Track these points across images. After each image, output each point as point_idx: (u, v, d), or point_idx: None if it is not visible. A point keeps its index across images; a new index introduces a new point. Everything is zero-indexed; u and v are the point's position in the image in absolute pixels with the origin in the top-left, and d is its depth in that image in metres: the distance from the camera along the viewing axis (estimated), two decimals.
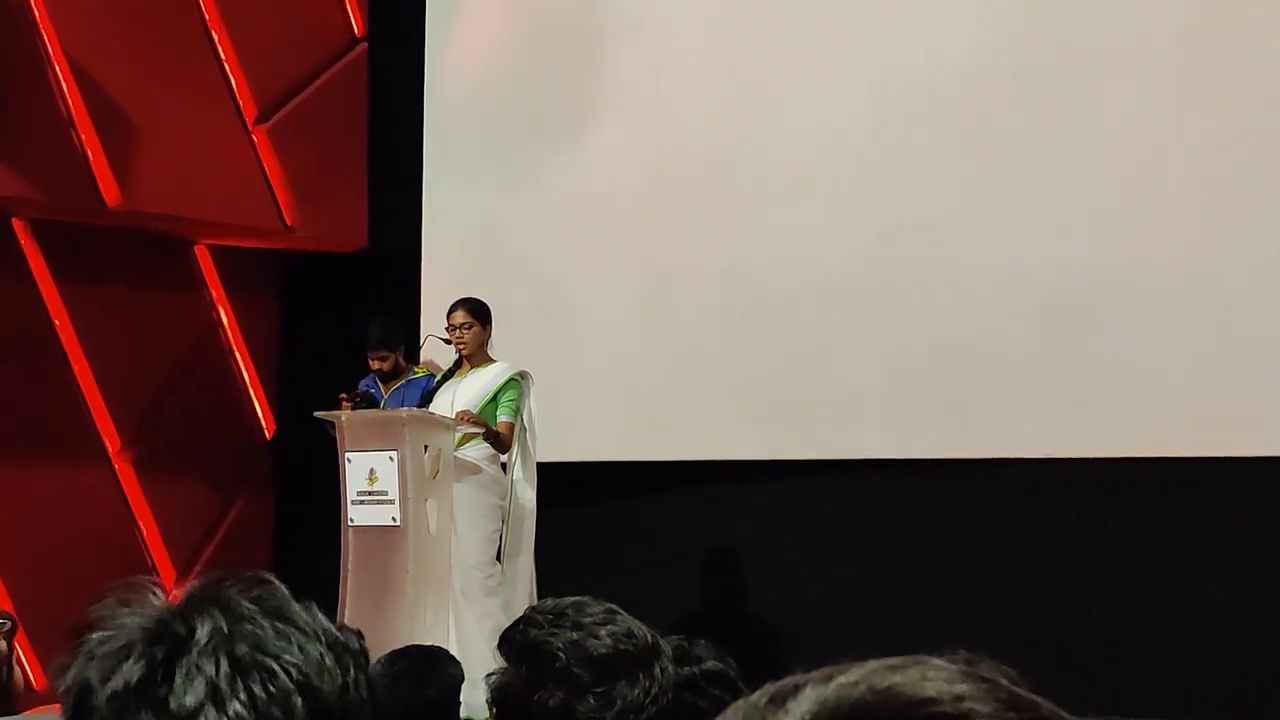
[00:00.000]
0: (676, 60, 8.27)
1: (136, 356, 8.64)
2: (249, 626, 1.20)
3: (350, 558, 6.82)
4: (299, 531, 9.04)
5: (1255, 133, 6.84)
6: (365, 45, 9.28)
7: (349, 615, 6.59)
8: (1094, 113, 7.16)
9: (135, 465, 8.65)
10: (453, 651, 6.52)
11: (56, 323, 8.44)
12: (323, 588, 6.84)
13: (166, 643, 1.19)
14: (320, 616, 1.22)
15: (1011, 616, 7.16)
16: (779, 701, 0.91)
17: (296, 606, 1.22)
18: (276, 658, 1.19)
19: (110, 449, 8.60)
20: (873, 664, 0.91)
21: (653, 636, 2.27)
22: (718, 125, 8.09)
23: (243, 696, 1.18)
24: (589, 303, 8.39)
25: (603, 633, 2.22)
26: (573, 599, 2.33)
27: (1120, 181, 7.10)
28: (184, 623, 1.19)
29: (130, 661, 1.18)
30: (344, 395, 7.34)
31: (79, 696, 1.19)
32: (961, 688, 0.89)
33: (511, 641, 2.28)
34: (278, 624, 1.20)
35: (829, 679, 0.90)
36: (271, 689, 1.18)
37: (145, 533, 8.67)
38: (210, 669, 1.18)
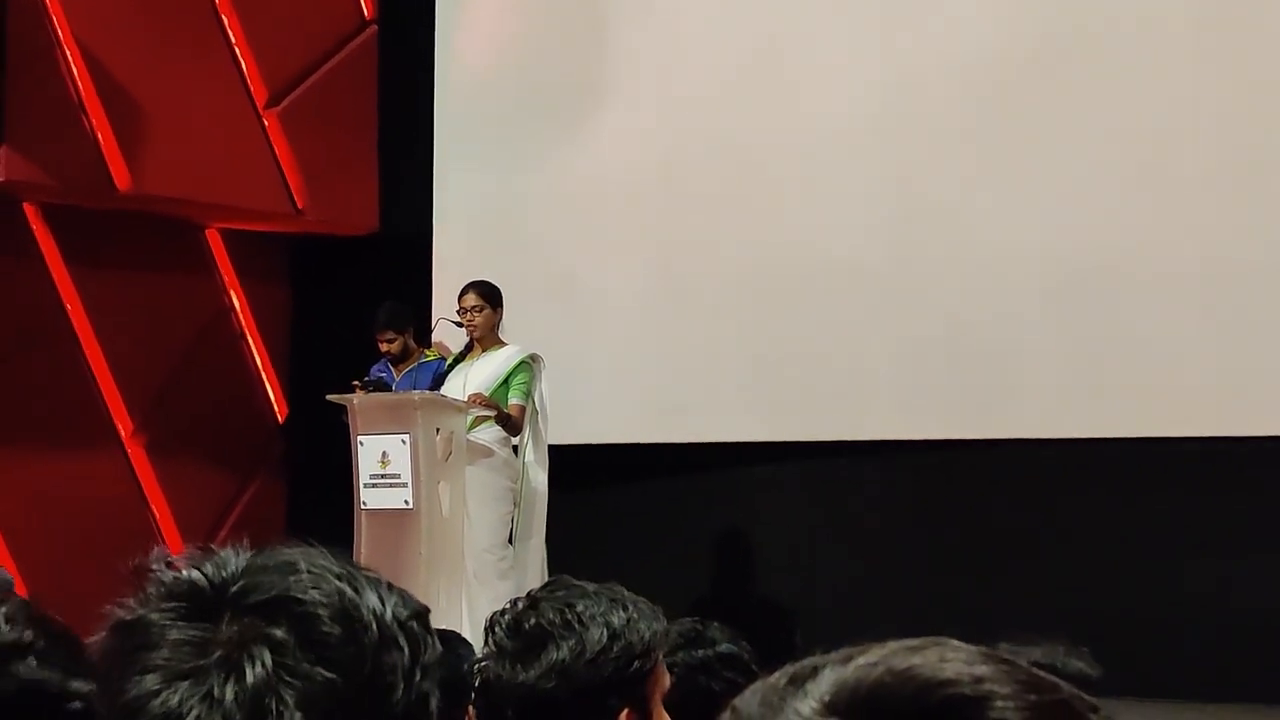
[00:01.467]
0: (688, 42, 8.25)
1: (148, 341, 8.65)
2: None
3: (363, 541, 6.83)
4: (312, 515, 9.03)
5: (1269, 115, 6.81)
6: (375, 28, 9.27)
7: None
8: (1108, 95, 7.13)
9: (148, 450, 8.66)
10: (466, 634, 6.54)
11: (68, 307, 8.45)
12: None
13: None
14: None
15: (1025, 596, 7.16)
16: (798, 683, 0.91)
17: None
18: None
19: (123, 433, 8.61)
20: (892, 645, 0.91)
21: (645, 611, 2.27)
22: (730, 107, 8.07)
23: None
24: (601, 285, 8.38)
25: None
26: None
27: (1133, 164, 7.07)
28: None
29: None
30: (357, 383, 7.34)
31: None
32: (981, 669, 0.89)
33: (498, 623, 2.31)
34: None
35: (848, 660, 0.90)
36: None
37: (158, 517, 8.68)
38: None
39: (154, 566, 1.23)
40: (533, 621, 2.20)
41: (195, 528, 8.77)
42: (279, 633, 1.15)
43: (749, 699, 0.92)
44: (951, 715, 0.87)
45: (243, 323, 9.19)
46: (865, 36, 7.73)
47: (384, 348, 7.91)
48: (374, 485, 6.78)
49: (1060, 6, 7.29)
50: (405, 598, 1.22)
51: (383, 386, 7.46)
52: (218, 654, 1.15)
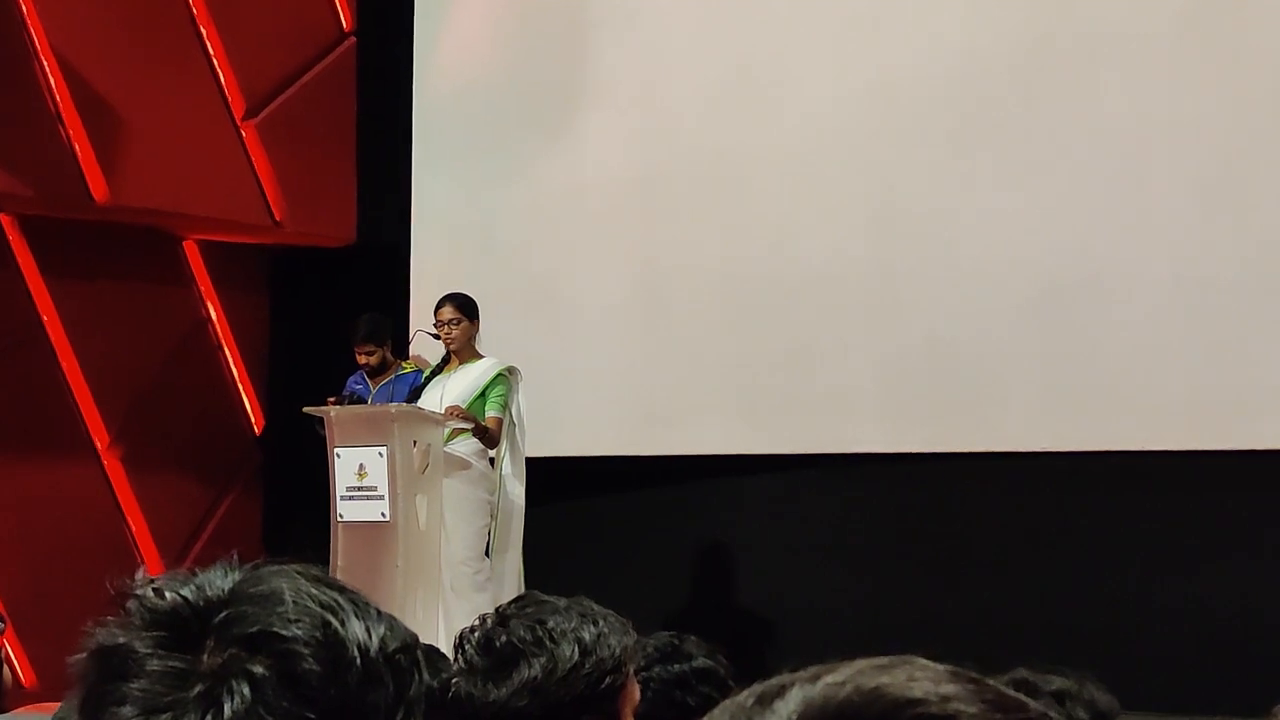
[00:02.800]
0: (668, 53, 8.25)
1: (125, 352, 8.61)
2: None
3: (339, 553, 6.80)
4: (287, 527, 9.01)
5: (1249, 127, 6.84)
6: (354, 40, 9.26)
7: None
8: (1088, 106, 7.16)
9: (124, 461, 8.62)
10: (442, 647, 6.52)
11: (45, 318, 8.41)
12: None
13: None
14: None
15: (1006, 609, 7.17)
16: (766, 702, 0.90)
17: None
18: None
19: (99, 444, 8.57)
20: (860, 663, 0.90)
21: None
22: (710, 118, 8.08)
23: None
24: (580, 297, 8.38)
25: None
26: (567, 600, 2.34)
27: (1113, 176, 7.10)
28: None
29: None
30: (332, 399, 7.32)
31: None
32: (948, 688, 0.88)
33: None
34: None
35: (816, 679, 0.89)
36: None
37: (134, 528, 8.65)
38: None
39: (137, 588, 1.21)
40: (503, 639, 2.19)
41: (171, 539, 8.74)
42: (259, 669, 1.14)
43: (718, 717, 0.92)
44: None
45: (220, 334, 9.16)
46: (845, 47, 7.75)
47: (363, 360, 7.90)
48: (351, 497, 6.77)
49: (1038, 20, 7.32)
50: (394, 627, 1.21)
51: (358, 401, 7.45)
52: (197, 688, 1.13)
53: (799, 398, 7.73)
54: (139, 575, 1.22)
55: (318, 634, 1.16)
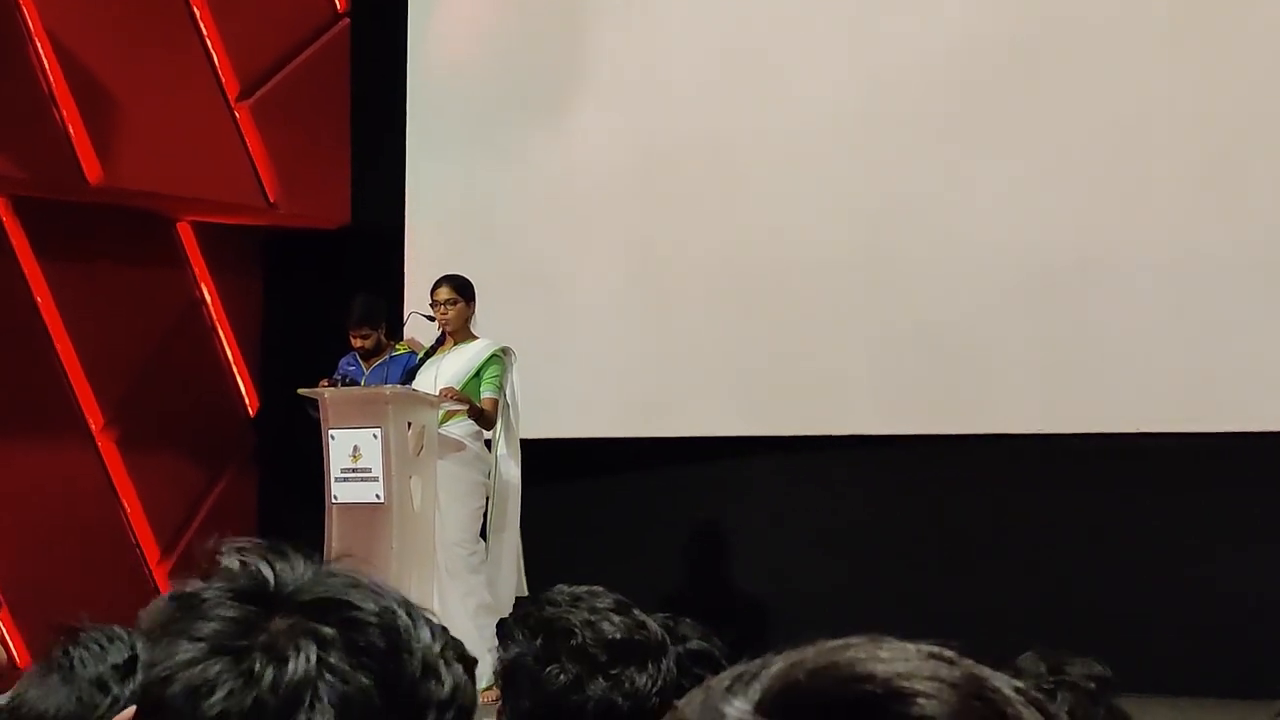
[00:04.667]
0: (665, 36, 8.25)
1: (119, 334, 8.61)
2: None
3: (334, 535, 6.81)
4: (282, 509, 9.02)
5: (1239, 112, 6.85)
6: (348, 21, 9.24)
7: None
8: (1081, 92, 7.16)
9: (118, 443, 8.63)
10: None
11: (39, 300, 8.41)
12: None
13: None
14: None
15: (1000, 591, 7.19)
16: (737, 685, 0.91)
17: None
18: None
19: (93, 427, 8.58)
20: (829, 643, 0.91)
21: (663, 633, 2.31)
22: (706, 102, 8.07)
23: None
24: (575, 279, 8.38)
25: (617, 620, 2.25)
26: (587, 587, 2.36)
27: (1107, 161, 7.10)
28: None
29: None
30: (325, 381, 7.32)
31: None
32: (909, 665, 0.88)
33: (528, 617, 2.30)
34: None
35: (786, 658, 0.90)
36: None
37: (129, 510, 8.66)
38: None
39: (223, 554, 1.23)
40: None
41: (166, 521, 8.75)
42: (327, 630, 1.16)
43: (693, 700, 0.92)
44: (873, 710, 0.86)
45: (214, 316, 9.17)
46: (841, 34, 7.75)
47: (357, 343, 7.89)
48: (345, 479, 6.77)
49: (1033, 7, 7.32)
50: (459, 647, 1.24)
51: (351, 383, 7.44)
52: (263, 638, 1.15)
53: (794, 381, 7.74)
54: (227, 543, 1.26)
55: (388, 616, 1.19)
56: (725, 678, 0.92)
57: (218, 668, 1.14)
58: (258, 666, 1.14)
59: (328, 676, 1.14)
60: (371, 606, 1.19)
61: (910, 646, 0.89)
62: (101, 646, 2.08)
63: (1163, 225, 6.96)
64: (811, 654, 0.89)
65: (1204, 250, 6.86)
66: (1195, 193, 6.92)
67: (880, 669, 0.87)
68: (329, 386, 7.26)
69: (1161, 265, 6.95)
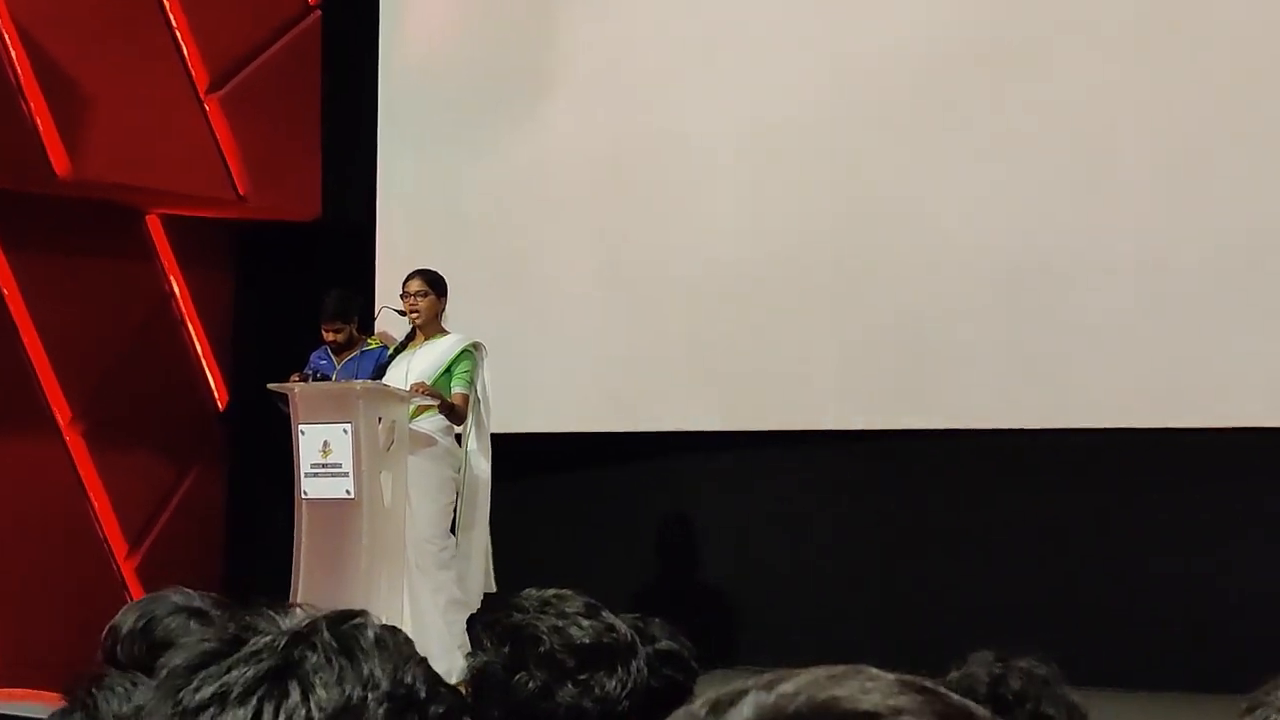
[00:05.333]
0: (636, 30, 8.23)
1: (87, 328, 8.56)
2: (311, 655, 1.19)
3: (304, 531, 6.78)
4: (252, 504, 8.99)
5: (1212, 108, 6.87)
6: (319, 13, 9.20)
7: (302, 589, 6.56)
8: (1055, 91, 7.17)
9: (86, 438, 8.57)
10: (407, 624, 6.51)
11: (5, 293, 8.35)
12: (276, 561, 6.82)
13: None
14: (391, 666, 1.21)
15: (970, 586, 7.20)
16: (720, 709, 0.91)
17: (375, 650, 1.22)
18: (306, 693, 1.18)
19: (61, 421, 8.52)
20: (814, 672, 0.91)
21: (632, 634, 2.29)
22: (679, 97, 8.06)
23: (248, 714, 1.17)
24: (546, 274, 8.36)
25: (586, 624, 2.24)
26: (555, 590, 2.34)
27: (1080, 159, 7.11)
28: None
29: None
30: (296, 376, 7.28)
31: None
32: (900, 700, 0.89)
33: (495, 624, 2.28)
34: (342, 660, 1.20)
35: (770, 686, 0.90)
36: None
37: (96, 506, 8.60)
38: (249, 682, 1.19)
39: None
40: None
41: (134, 516, 8.70)
42: (326, 635, 1.22)
43: None
44: None
45: (183, 309, 9.11)
46: (814, 30, 7.74)
47: (330, 337, 7.86)
48: (315, 474, 6.74)
49: (1007, 4, 7.32)
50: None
51: (323, 378, 7.40)
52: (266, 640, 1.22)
53: (765, 376, 7.74)
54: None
55: (384, 635, 1.23)
56: (703, 704, 0.92)
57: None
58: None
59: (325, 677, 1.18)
60: (370, 622, 1.23)
61: (893, 678, 0.89)
62: (125, 689, 2.10)
63: (1135, 224, 6.98)
64: (801, 683, 0.89)
65: (1176, 249, 6.88)
66: (1167, 192, 6.94)
67: (877, 704, 0.88)
68: (300, 381, 7.22)
69: (1133, 262, 6.97)
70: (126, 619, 2.44)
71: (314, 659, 1.19)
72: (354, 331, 7.92)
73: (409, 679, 1.22)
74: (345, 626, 1.22)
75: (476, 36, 8.77)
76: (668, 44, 8.12)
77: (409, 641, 1.27)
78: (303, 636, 1.20)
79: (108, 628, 2.47)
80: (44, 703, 5.81)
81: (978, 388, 7.30)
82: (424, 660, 1.26)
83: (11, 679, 6.88)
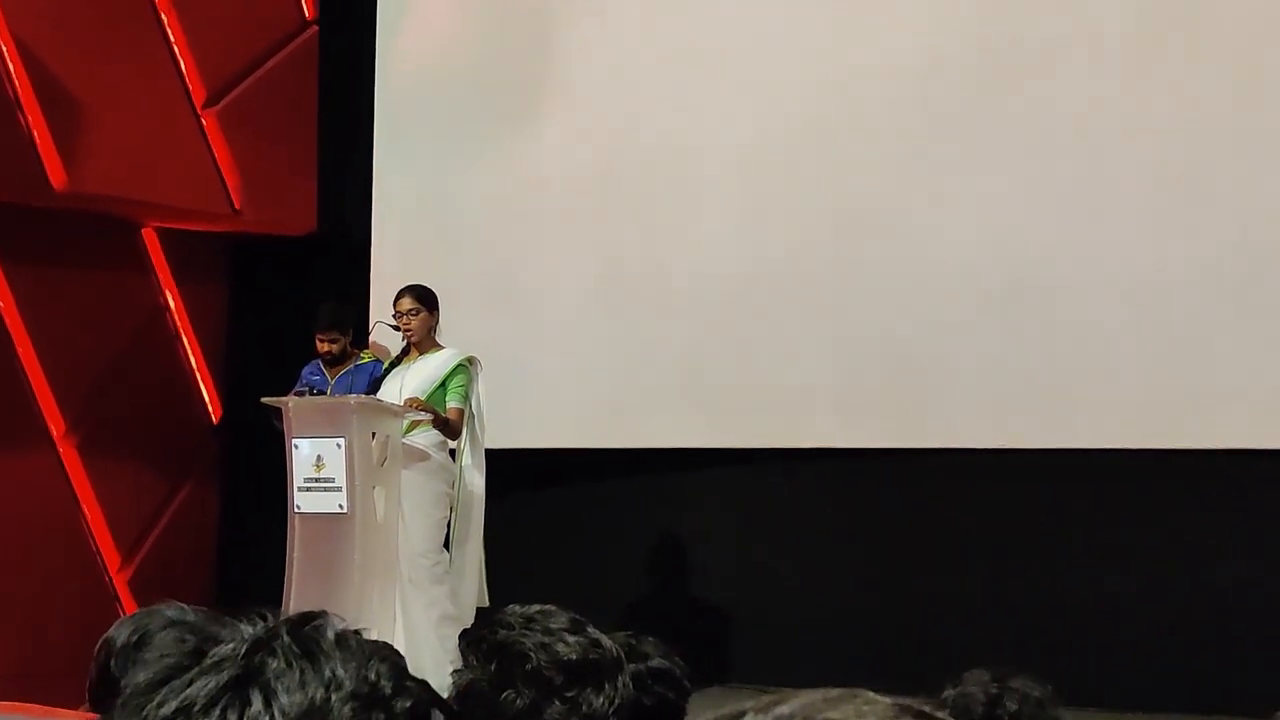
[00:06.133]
0: (631, 46, 8.25)
1: (82, 340, 8.56)
2: (271, 660, 1.19)
3: (296, 545, 6.77)
4: (245, 518, 8.98)
5: (1204, 127, 6.88)
6: (316, 29, 9.22)
7: (294, 604, 6.55)
8: (1046, 107, 7.19)
9: (80, 449, 8.57)
10: (399, 639, 6.50)
11: (1, 305, 8.35)
12: (268, 575, 6.81)
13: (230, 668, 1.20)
14: (354, 664, 1.21)
15: (962, 605, 7.20)
16: None
17: (336, 650, 1.22)
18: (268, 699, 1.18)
19: (55, 433, 8.52)
20: (810, 696, 0.90)
21: (618, 650, 2.29)
22: (673, 112, 8.07)
23: None
24: (541, 288, 8.37)
25: (572, 640, 2.23)
26: (540, 606, 2.34)
27: (1071, 176, 7.13)
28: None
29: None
30: (292, 394, 7.25)
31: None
32: None
33: (481, 641, 2.28)
34: (303, 664, 1.20)
35: (766, 710, 0.90)
36: None
37: (90, 517, 8.60)
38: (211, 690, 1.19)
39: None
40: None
41: (127, 528, 8.70)
42: (285, 638, 1.21)
43: None
44: None
45: (178, 322, 9.12)
46: (806, 44, 7.76)
47: (324, 348, 7.86)
48: (308, 489, 6.73)
49: (996, 21, 7.34)
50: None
51: (318, 393, 7.39)
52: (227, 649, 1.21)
53: (758, 392, 7.74)
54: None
55: (346, 634, 1.23)
56: None
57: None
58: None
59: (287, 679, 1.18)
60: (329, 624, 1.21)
61: (888, 702, 0.89)
62: None
63: (1126, 241, 6.98)
64: (797, 706, 0.89)
65: (1167, 266, 6.89)
66: (1158, 210, 6.95)
67: None
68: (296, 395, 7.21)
69: (1124, 281, 6.97)
70: (120, 633, 2.44)
71: (275, 664, 1.18)
72: (348, 344, 7.92)
73: (373, 676, 1.21)
74: (306, 629, 1.22)
75: (472, 51, 8.79)
76: (662, 60, 8.14)
77: (382, 644, 1.27)
78: (263, 643, 1.20)
79: (101, 641, 2.47)
80: (33, 716, 5.80)
81: (972, 407, 7.30)
82: (390, 655, 1.25)
83: (2, 692, 6.87)
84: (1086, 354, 7.04)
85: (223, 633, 1.25)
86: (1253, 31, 6.79)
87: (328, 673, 1.19)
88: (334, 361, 7.84)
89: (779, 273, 7.71)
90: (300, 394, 7.27)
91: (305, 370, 7.81)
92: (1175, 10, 6.97)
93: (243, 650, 1.20)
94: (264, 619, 1.26)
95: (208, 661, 1.20)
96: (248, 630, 1.24)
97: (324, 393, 7.47)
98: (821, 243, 7.64)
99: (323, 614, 1.26)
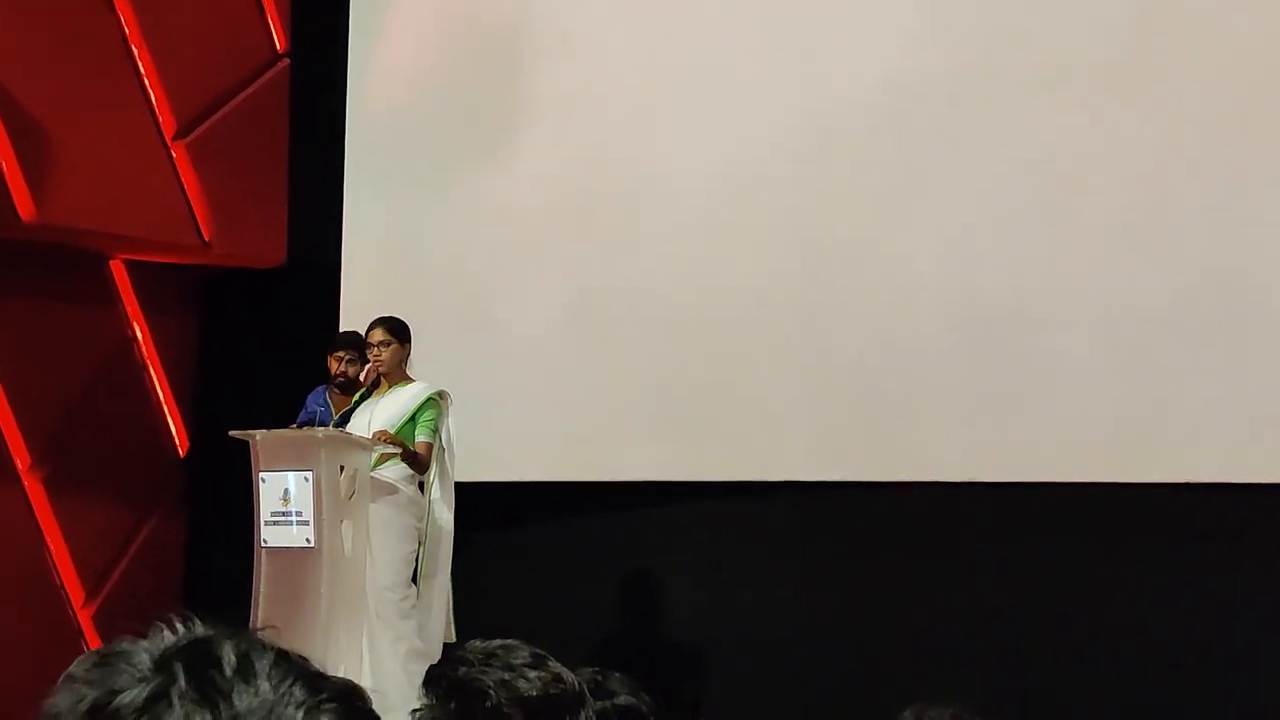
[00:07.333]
0: (601, 77, 8.26)
1: (49, 372, 8.51)
2: (168, 716, 1.16)
3: (262, 579, 6.73)
4: (211, 552, 8.92)
5: (1174, 158, 6.90)
6: (287, 61, 9.21)
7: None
8: (1017, 139, 7.21)
9: (45, 483, 8.50)
10: (366, 675, 6.46)
11: None
12: (234, 609, 6.76)
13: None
14: (261, 700, 1.17)
15: (933, 638, 7.18)
16: None
17: (239, 685, 1.18)
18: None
19: (20, 466, 8.45)
20: None
21: (580, 684, 2.26)
22: (643, 143, 8.08)
23: None
24: (511, 320, 8.35)
25: (533, 675, 2.20)
26: (500, 641, 2.31)
27: (1042, 209, 7.14)
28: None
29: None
30: (295, 426, 7.14)
31: None
32: None
33: (440, 679, 2.25)
34: (203, 712, 1.17)
35: None
36: None
37: (54, 551, 8.53)
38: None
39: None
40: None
41: (93, 562, 8.63)
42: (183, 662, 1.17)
43: None
44: None
45: (146, 355, 9.07)
46: (777, 77, 7.78)
47: (336, 369, 7.58)
48: (275, 522, 6.69)
49: (964, 55, 7.37)
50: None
51: (323, 424, 7.21)
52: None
53: (731, 425, 7.73)
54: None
55: (246, 665, 1.19)
56: None
57: None
58: None
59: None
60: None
61: None
62: None
63: (1097, 274, 7.00)
64: None
65: (1138, 300, 6.90)
66: (1129, 243, 6.97)
67: None
68: (301, 427, 7.08)
69: (1096, 314, 6.99)
70: (81, 668, 2.40)
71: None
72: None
73: (284, 706, 1.19)
74: (205, 669, 1.18)
75: (443, 84, 8.79)
76: (632, 90, 8.15)
77: (297, 661, 1.22)
78: (159, 695, 1.16)
79: (62, 677, 2.44)
80: None
81: (943, 439, 7.30)
82: (302, 672, 1.20)
83: None
84: (1058, 387, 7.04)
85: (120, 680, 1.21)
86: (1222, 63, 6.83)
87: (228, 717, 1.15)
88: (346, 388, 7.62)
89: (750, 304, 7.71)
90: (307, 422, 7.15)
91: (310, 397, 7.68)
92: (1144, 42, 7.00)
93: (140, 702, 1.15)
94: (136, 655, 1.20)
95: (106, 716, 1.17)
96: (144, 664, 1.20)
97: (327, 424, 7.27)
98: (792, 273, 7.64)
99: (223, 637, 1.21)
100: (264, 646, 1.21)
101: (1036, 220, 7.13)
